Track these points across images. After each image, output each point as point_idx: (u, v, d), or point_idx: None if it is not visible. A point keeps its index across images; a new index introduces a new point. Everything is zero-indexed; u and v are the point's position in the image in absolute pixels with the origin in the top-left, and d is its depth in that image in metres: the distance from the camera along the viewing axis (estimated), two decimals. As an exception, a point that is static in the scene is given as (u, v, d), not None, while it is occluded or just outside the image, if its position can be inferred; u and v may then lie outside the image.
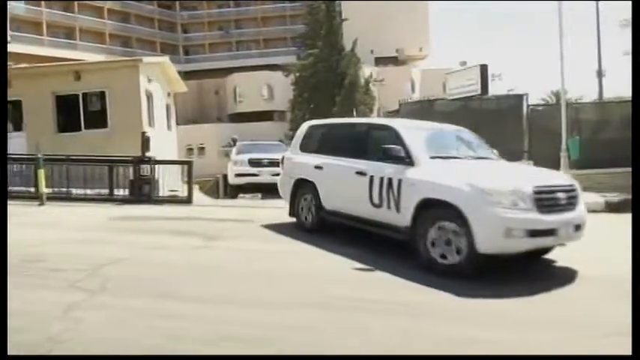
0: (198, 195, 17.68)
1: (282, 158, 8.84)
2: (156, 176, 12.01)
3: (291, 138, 19.71)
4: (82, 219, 9.47)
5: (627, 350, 3.39)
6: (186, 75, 42.45)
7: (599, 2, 20.52)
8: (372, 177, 6.56)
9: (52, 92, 16.26)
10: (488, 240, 5.30)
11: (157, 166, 12.10)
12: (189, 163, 13.04)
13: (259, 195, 17.19)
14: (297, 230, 7.94)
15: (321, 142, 8.03)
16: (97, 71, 17.19)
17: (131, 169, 11.94)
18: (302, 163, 8.08)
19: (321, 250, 6.81)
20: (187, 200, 11.95)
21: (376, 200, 6.47)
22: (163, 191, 12.55)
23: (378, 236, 6.74)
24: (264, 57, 53.91)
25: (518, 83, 70.16)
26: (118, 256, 6.18)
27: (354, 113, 28.85)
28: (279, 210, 10.94)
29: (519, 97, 15.46)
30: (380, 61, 46.21)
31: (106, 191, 11.99)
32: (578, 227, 5.71)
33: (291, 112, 36.19)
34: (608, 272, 5.70)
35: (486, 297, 4.90)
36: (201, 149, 39.95)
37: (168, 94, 21.47)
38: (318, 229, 7.67)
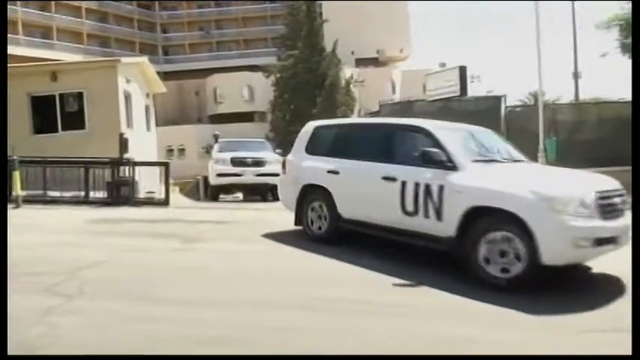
0: (178, 197, 17.57)
1: (284, 162, 8.09)
2: (135, 178, 11.88)
3: (271, 139, 19.21)
4: (59, 222, 9.33)
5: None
6: (165, 75, 42.09)
7: (576, 4, 20.85)
8: (404, 182, 6.03)
9: (28, 93, 16.00)
10: (555, 251, 4.90)
11: (135, 167, 11.98)
12: (166, 165, 12.92)
13: (240, 195, 17.01)
14: (280, 232, 7.91)
15: (334, 145, 7.36)
16: (75, 72, 16.96)
17: (109, 171, 11.81)
18: (311, 167, 7.40)
19: (305, 251, 6.80)
20: (164, 202, 11.85)
21: (410, 208, 5.96)
22: (142, 193, 12.43)
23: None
24: (245, 58, 53.73)
25: (498, 84, 71.23)
26: (96, 259, 6.10)
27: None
28: (260, 211, 10.93)
29: (497, 99, 15.66)
30: (361, 62, 46.34)
31: (83, 193, 11.83)
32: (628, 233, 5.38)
33: (272, 113, 36.12)
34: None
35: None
36: (182, 150, 39.64)
37: (147, 95, 21.27)
38: (331, 238, 7.02)
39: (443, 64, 21.90)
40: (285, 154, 14.72)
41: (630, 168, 5.73)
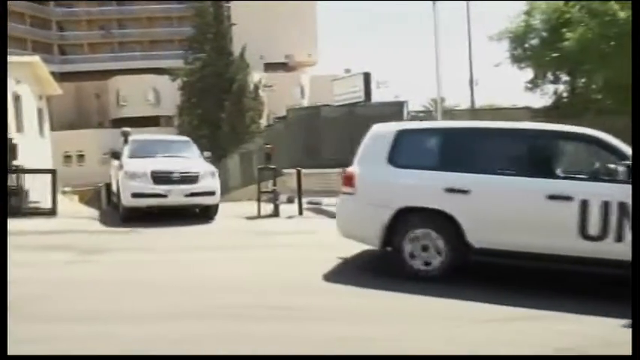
0: (78, 206, 16.64)
1: (350, 177, 6.08)
2: (25, 187, 11.09)
3: None
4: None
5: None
6: (62, 76, 39.79)
7: (471, 19, 22.12)
8: (584, 202, 5.14)
9: None
10: None
11: (26, 175, 11.20)
12: (52, 172, 12.02)
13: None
14: (184, 240, 7.68)
15: (447, 154, 5.92)
16: (-46, 71, 15.52)
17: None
18: (411, 184, 5.82)
19: (203, 257, 6.68)
20: (51, 212, 11.09)
21: (594, 231, 5.13)
22: (35, 203, 11.63)
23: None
24: (150, 59, 51.80)
25: (405, 90, 73.65)
26: (-23, 277, 5.60)
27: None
28: (165, 219, 10.55)
29: (400, 104, 16.26)
30: (270, 66, 46.40)
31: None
32: None
33: (179, 118, 35.16)
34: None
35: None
36: (81, 156, 37.70)
37: (40, 97, 19.94)
38: (448, 275, 5.55)
39: (348, 70, 22.45)
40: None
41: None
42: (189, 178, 10.32)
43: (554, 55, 13.83)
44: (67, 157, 35.22)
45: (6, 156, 9.05)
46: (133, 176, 10.25)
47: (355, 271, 6.14)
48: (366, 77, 14.29)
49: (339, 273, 5.99)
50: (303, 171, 12.22)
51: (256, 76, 35.92)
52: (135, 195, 10.17)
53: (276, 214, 10.95)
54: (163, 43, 54.04)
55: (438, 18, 12.93)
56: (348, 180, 6.07)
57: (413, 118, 16.10)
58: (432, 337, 4.12)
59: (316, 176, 14.82)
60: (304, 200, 11.66)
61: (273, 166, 12.06)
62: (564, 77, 15.49)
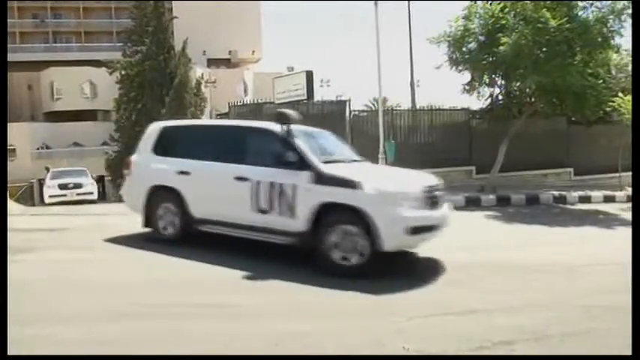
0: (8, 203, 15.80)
1: None
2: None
3: (116, 139, 17.32)
4: None
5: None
6: (-10, 66, 37.59)
7: (414, 20, 22.60)
8: None
9: None
10: None
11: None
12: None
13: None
14: (122, 237, 7.49)
15: None
16: None
17: None
18: None
19: (142, 258, 6.54)
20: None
21: None
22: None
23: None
24: (86, 51, 49.79)
25: (349, 89, 74.39)
26: None
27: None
28: (99, 217, 10.28)
29: (343, 103, 16.43)
30: (213, 62, 45.70)
31: None
32: None
33: (117, 112, 33.98)
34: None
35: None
36: (12, 151, 35.82)
37: (-34, 88, 18.81)
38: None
39: (291, 68, 22.44)
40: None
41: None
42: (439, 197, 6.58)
43: (491, 59, 14.32)
44: (-4, 152, 33.37)
45: (6, 156, 8.47)
46: (402, 199, 6.00)
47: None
48: (309, 75, 14.32)
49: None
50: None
51: (198, 71, 35.27)
52: (414, 230, 5.98)
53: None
54: (101, 35, 52.14)
55: (379, 18, 13.10)
56: None
57: (355, 117, 16.31)
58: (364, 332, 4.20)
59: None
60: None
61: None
62: (500, 81, 16.06)
